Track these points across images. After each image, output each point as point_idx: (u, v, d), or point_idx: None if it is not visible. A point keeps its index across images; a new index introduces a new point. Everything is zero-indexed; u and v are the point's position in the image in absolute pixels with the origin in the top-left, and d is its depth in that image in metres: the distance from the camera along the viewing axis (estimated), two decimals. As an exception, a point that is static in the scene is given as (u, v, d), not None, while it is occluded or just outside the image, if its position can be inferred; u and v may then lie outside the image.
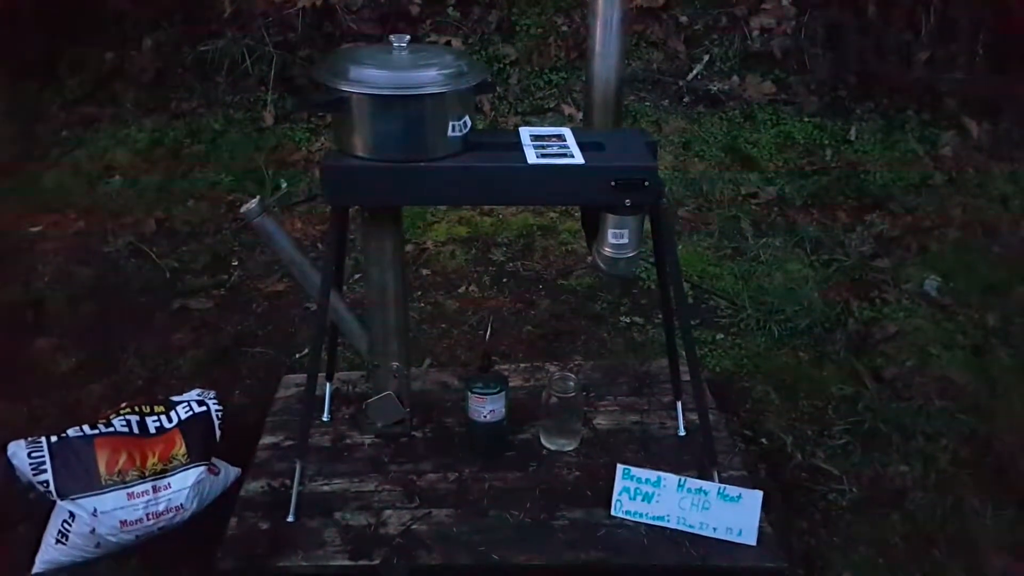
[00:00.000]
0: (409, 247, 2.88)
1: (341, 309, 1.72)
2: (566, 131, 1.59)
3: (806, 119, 3.59)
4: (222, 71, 3.82)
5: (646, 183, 1.44)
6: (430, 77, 1.42)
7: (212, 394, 1.97)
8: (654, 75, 3.71)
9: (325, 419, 1.99)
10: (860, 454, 2.06)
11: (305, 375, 2.14)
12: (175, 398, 1.97)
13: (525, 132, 1.58)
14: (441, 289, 2.70)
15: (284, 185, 1.68)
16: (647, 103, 3.68)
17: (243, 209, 1.59)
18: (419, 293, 2.67)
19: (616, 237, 1.49)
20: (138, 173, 3.39)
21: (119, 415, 1.85)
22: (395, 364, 1.75)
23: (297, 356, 2.39)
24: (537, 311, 2.60)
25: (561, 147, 1.51)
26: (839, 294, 2.66)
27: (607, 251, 1.53)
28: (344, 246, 1.64)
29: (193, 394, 1.99)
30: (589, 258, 1.61)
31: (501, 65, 3.82)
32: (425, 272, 2.80)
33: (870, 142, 3.47)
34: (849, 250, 2.88)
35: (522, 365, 2.18)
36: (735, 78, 3.67)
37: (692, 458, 1.85)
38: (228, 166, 3.42)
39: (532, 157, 1.46)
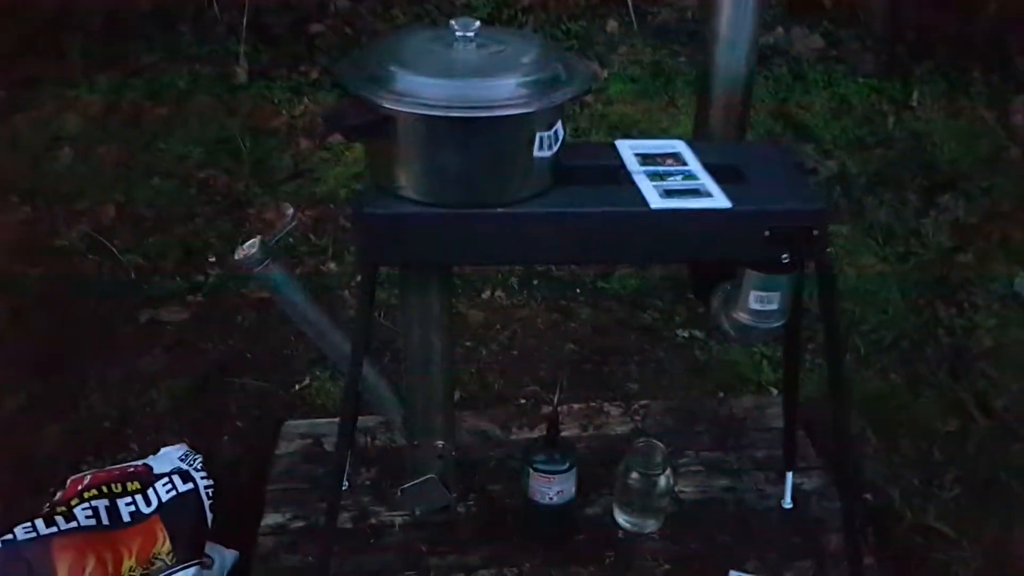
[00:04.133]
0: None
1: (371, 376, 1.31)
2: (681, 146, 1.17)
3: (861, 80, 3.17)
4: (186, 18, 3.29)
5: (814, 232, 1.04)
6: (510, 89, 0.99)
7: (198, 460, 1.57)
8: (688, 25, 3.26)
9: (342, 486, 1.60)
10: (976, 509, 1.73)
11: (308, 422, 1.78)
12: (152, 462, 1.57)
13: (626, 149, 1.16)
14: (461, 295, 2.29)
15: (290, 212, 1.24)
16: (681, 58, 3.23)
17: (238, 256, 1.17)
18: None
19: (761, 302, 1.10)
20: (91, 144, 2.89)
21: (82, 501, 1.44)
22: (439, 443, 1.36)
23: (296, 388, 1.98)
24: (577, 323, 2.21)
25: (685, 174, 1.10)
26: (923, 295, 2.30)
27: (744, 317, 1.13)
28: (373, 302, 1.21)
29: (174, 452, 1.60)
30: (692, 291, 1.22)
31: (511, 11, 3.33)
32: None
33: (933, 108, 3.07)
34: (926, 240, 2.51)
35: (576, 407, 1.80)
36: (780, 30, 3.23)
37: (804, 540, 1.51)
38: (197, 135, 2.93)
39: (654, 197, 1.05)
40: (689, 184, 1.07)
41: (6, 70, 3.18)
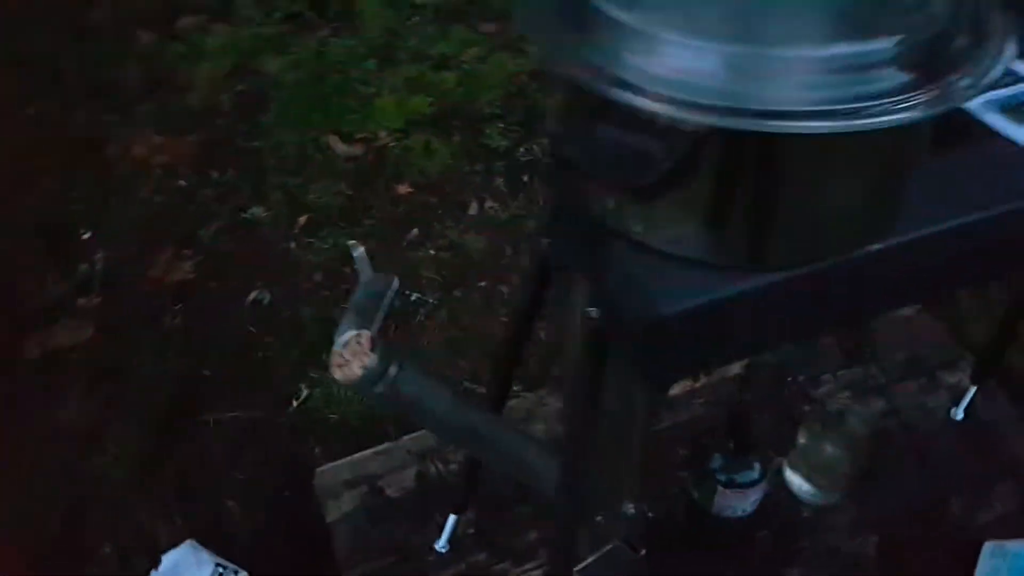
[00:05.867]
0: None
1: (532, 448, 0.89)
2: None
3: None
4: None
5: None
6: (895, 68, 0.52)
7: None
8: None
9: (440, 548, 1.20)
10: None
11: (346, 462, 1.33)
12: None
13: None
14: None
15: (359, 253, 0.73)
16: None
17: (343, 374, 0.68)
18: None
19: None
20: None
21: None
22: (630, 507, 0.98)
23: (294, 404, 1.49)
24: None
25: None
26: None
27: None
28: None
29: (191, 566, 1.15)
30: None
31: None
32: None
33: None
34: None
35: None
36: None
37: (982, 456, 1.29)
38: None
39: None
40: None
41: None
